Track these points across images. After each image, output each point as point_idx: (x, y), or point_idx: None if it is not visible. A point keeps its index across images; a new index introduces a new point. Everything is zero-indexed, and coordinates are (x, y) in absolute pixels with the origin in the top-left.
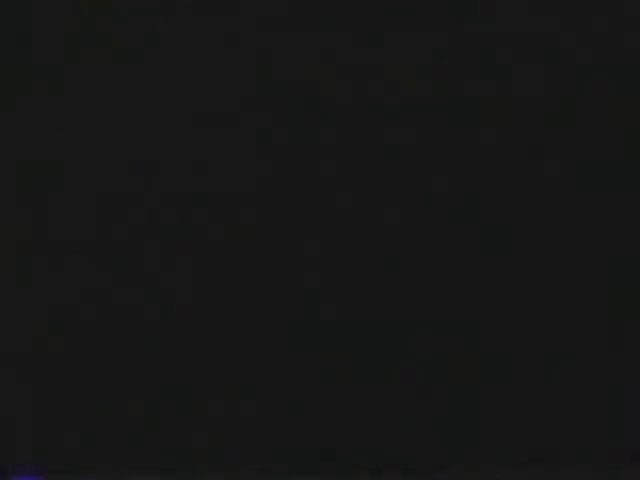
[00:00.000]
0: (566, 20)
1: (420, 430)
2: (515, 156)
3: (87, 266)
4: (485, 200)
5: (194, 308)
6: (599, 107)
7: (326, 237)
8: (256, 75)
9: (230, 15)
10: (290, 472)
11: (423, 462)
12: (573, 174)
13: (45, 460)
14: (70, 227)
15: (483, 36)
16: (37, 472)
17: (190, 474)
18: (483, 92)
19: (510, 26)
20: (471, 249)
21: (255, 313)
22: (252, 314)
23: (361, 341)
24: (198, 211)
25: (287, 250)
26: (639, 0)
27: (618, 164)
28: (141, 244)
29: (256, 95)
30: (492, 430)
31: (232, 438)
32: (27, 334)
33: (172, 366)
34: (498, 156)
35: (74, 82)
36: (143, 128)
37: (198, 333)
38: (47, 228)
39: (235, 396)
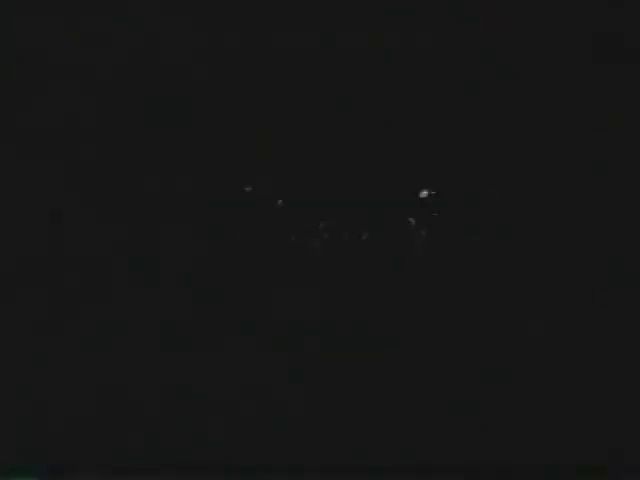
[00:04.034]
0: None
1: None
2: None
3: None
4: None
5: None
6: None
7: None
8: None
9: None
10: (290, 472)
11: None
12: None
13: (45, 460)
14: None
15: None
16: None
17: (190, 474)
18: None
19: None
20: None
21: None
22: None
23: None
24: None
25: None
26: None
27: None
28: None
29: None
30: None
31: (232, 438)
32: (27, 334)
33: (172, 366)
34: None
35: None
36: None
37: (196, 332)
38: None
39: (236, 397)
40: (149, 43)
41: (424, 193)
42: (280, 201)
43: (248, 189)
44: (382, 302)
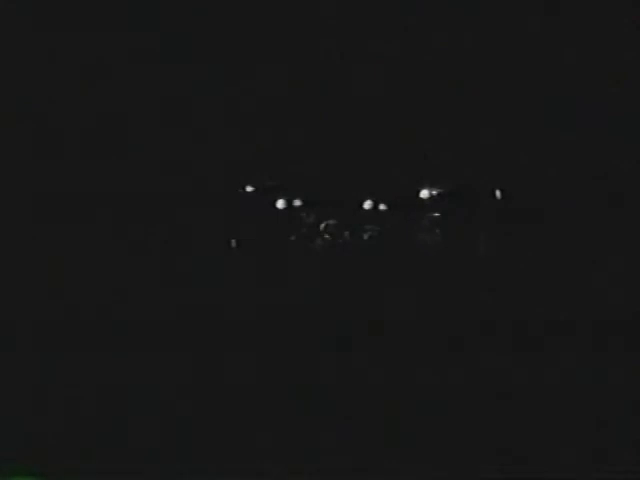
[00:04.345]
0: None
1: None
2: None
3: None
4: None
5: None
6: None
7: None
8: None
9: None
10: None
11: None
12: None
13: (45, 460)
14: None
15: None
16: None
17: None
18: None
19: None
20: None
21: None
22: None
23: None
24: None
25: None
26: None
27: None
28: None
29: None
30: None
31: (232, 438)
32: (27, 334)
33: (171, 366)
34: None
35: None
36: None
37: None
38: None
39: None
40: (149, 39)
41: (424, 193)
42: (281, 201)
43: (249, 189)
44: (382, 302)
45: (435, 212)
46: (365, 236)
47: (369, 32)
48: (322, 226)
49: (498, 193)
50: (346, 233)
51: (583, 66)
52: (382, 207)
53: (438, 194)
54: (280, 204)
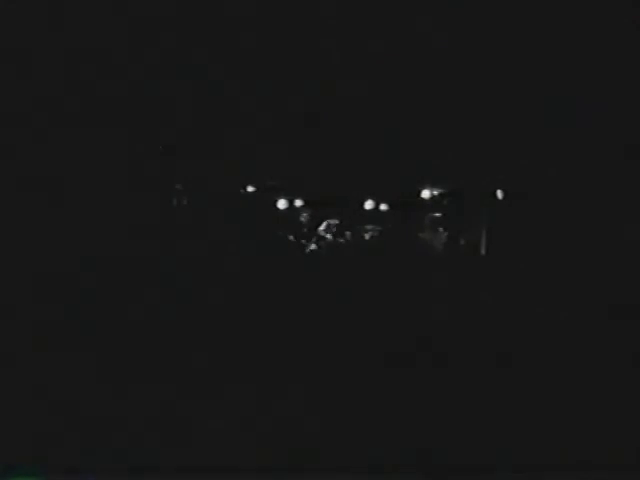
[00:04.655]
0: None
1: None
2: None
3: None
4: None
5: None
6: None
7: None
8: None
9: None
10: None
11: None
12: None
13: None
14: None
15: None
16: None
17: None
18: None
19: None
20: None
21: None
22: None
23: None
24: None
25: None
26: None
27: None
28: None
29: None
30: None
31: (231, 438)
32: (27, 336)
33: (169, 367)
34: None
35: None
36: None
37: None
38: None
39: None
40: (152, 41)
41: (425, 193)
42: (282, 201)
43: (250, 189)
44: (382, 301)
45: (435, 212)
46: (365, 236)
47: (369, 32)
48: (322, 226)
49: (498, 193)
50: (347, 233)
51: (583, 66)
52: (383, 207)
53: (438, 194)
54: (280, 204)
